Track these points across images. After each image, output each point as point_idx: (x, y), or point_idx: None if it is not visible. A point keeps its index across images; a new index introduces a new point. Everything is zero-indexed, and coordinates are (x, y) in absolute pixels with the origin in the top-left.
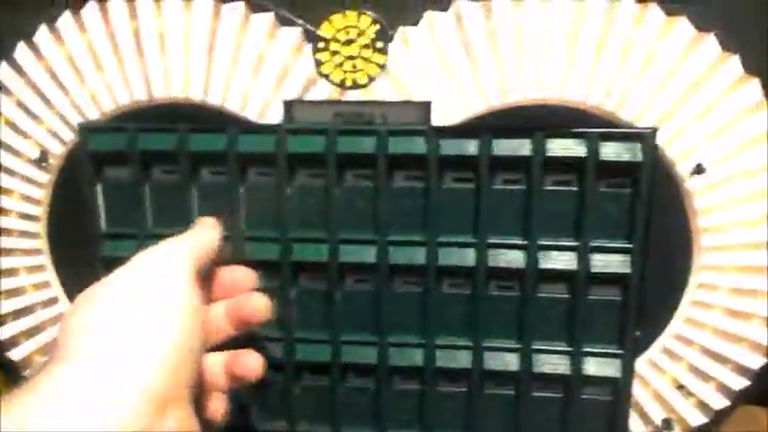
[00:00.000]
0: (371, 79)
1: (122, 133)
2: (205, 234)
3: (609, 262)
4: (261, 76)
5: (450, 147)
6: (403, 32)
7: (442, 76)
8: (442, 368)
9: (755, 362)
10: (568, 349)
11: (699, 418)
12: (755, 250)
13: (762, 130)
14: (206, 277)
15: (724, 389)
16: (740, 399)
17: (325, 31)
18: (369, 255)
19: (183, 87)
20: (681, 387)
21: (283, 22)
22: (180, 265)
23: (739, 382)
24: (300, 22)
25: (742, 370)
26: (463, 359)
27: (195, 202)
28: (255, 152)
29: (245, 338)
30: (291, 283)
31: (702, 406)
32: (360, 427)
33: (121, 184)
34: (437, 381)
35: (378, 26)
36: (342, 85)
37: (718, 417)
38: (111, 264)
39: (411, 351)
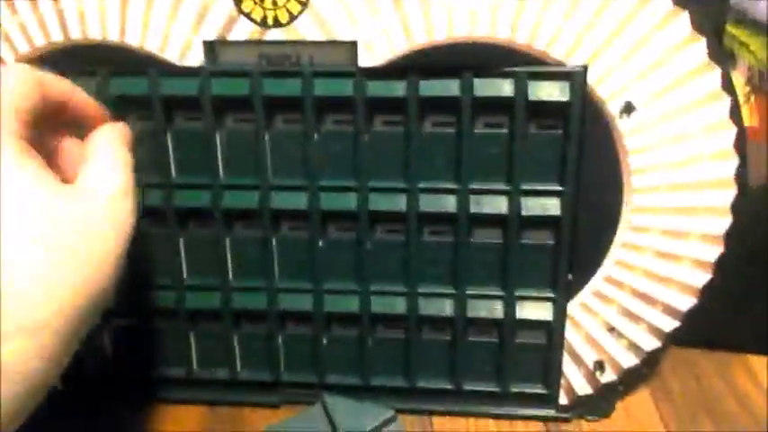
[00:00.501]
0: (293, 17)
1: None
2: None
3: (540, 205)
4: (180, 15)
5: (377, 89)
6: None
7: (366, 13)
8: (377, 314)
9: (685, 303)
10: (501, 294)
11: (630, 360)
12: (686, 191)
13: (691, 67)
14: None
15: (655, 330)
16: (671, 340)
17: None
18: (301, 202)
19: (100, 28)
20: (612, 329)
21: None
22: None
23: (670, 324)
24: None
25: (672, 311)
26: (399, 305)
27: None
28: (180, 96)
29: None
30: (226, 231)
31: (634, 347)
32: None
33: None
34: (375, 327)
35: None
36: (263, 23)
37: (650, 358)
38: None
39: (347, 298)
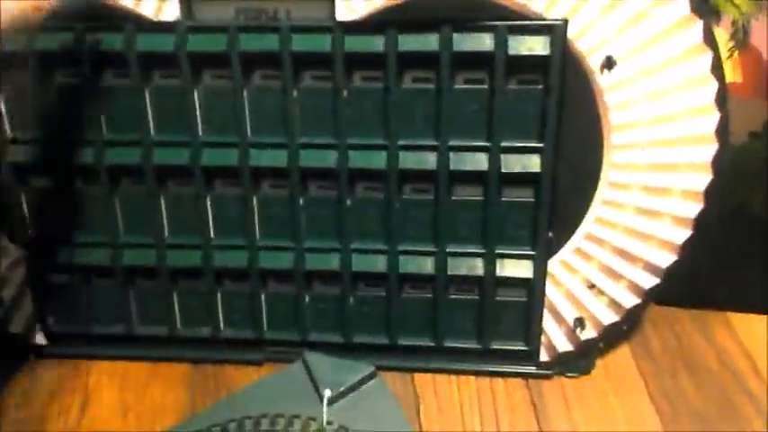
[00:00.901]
0: None
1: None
2: None
3: (520, 162)
4: None
5: (355, 44)
6: None
7: None
8: (358, 272)
9: (666, 260)
10: (482, 251)
11: (611, 317)
12: (667, 147)
13: (673, 21)
14: None
15: (635, 287)
16: (651, 297)
17: None
18: (280, 159)
19: None
20: (592, 286)
21: None
22: None
23: (650, 281)
24: None
25: (653, 268)
26: (380, 263)
27: (101, 107)
28: (156, 52)
29: None
30: (204, 186)
31: (614, 304)
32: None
33: (21, 89)
34: (356, 285)
35: None
36: None
37: (630, 315)
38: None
39: (328, 256)
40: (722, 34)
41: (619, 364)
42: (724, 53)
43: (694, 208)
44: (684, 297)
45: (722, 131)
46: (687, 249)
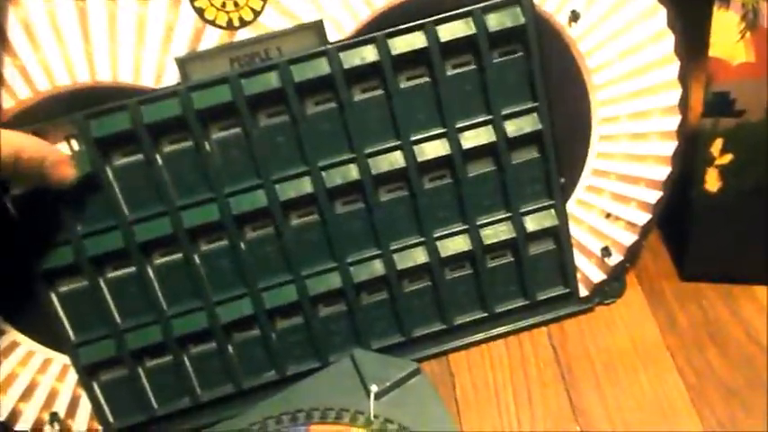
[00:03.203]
0: (257, 13)
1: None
2: None
3: (522, 124)
4: (146, 40)
5: (351, 58)
6: None
7: None
8: (404, 269)
9: (663, 173)
10: (508, 215)
11: (630, 237)
12: (641, 75)
13: None
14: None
15: (643, 205)
16: (658, 210)
17: None
18: (305, 186)
19: (67, 74)
20: (608, 215)
21: None
22: None
23: (654, 195)
24: None
25: (654, 184)
26: (420, 255)
27: (116, 190)
28: (164, 119)
29: None
30: (238, 236)
31: (630, 225)
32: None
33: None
34: (401, 282)
35: None
36: (230, 26)
37: (644, 231)
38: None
39: (371, 263)
40: (733, 16)
41: (646, 340)
42: (736, 35)
43: (674, 121)
44: (710, 272)
45: (683, 78)
46: (677, 159)
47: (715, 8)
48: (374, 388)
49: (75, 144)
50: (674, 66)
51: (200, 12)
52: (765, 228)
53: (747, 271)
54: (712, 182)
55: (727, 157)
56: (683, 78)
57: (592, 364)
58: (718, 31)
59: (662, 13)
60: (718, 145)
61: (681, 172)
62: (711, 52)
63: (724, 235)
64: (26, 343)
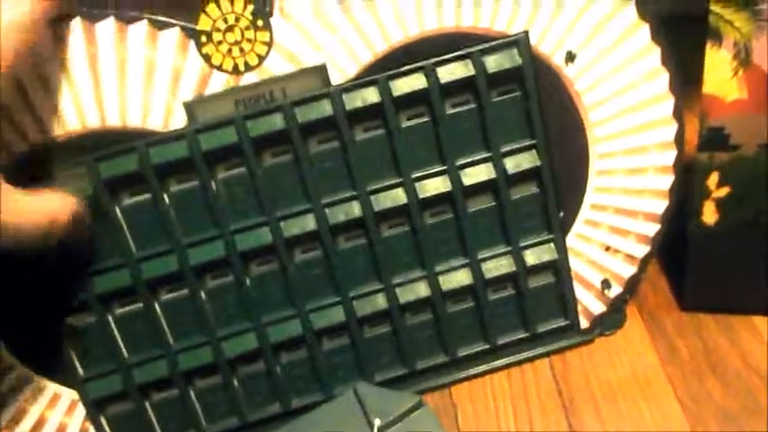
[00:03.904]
0: (261, 58)
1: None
2: None
3: (521, 161)
4: (154, 85)
5: (353, 100)
6: (280, 5)
7: (327, 35)
8: (406, 303)
9: (660, 206)
10: (509, 249)
11: (629, 270)
12: (637, 112)
13: (611, 9)
14: None
15: (642, 237)
16: (656, 243)
17: (203, 24)
18: (309, 223)
19: (79, 118)
20: (608, 248)
21: (159, 26)
22: None
23: (653, 228)
24: (176, 21)
25: (652, 217)
26: (422, 289)
27: (124, 229)
28: (171, 161)
29: None
30: (243, 272)
31: (629, 258)
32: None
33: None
34: (403, 316)
35: (252, 6)
36: (235, 71)
37: (643, 264)
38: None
39: (374, 297)
40: (726, 55)
41: (647, 370)
42: (729, 72)
43: (671, 156)
44: (708, 303)
45: (678, 114)
46: (674, 193)
47: (708, 47)
48: (378, 422)
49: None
50: (669, 102)
51: (206, 58)
52: (763, 259)
53: (746, 302)
54: (709, 214)
55: (724, 191)
56: (678, 114)
57: (593, 395)
58: (711, 69)
59: (656, 52)
60: (714, 179)
61: (678, 205)
62: (705, 89)
63: (722, 266)
64: (35, 379)
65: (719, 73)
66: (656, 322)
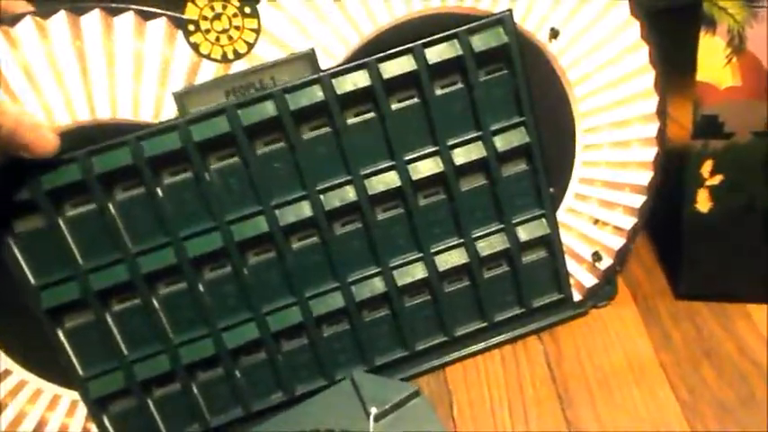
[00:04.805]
0: (250, 45)
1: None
2: None
3: (511, 138)
4: (143, 76)
5: (343, 84)
6: None
7: (315, 20)
8: (402, 286)
9: (645, 177)
10: (502, 226)
11: (619, 241)
12: (619, 85)
13: None
14: None
15: (629, 209)
16: (643, 214)
17: (190, 13)
18: (305, 210)
19: (67, 113)
20: (596, 221)
21: (146, 16)
22: None
23: (639, 200)
24: (162, 11)
25: (638, 188)
26: (419, 270)
27: (119, 224)
28: (164, 153)
29: None
30: (241, 262)
31: (618, 230)
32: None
33: (35, 230)
34: (401, 298)
35: None
36: (224, 59)
37: (632, 235)
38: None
39: (372, 281)
40: (720, 41)
41: (641, 358)
42: (722, 59)
43: (653, 128)
44: (703, 290)
45: (660, 87)
46: (657, 165)
47: (701, 33)
48: (374, 410)
49: None
50: (650, 75)
51: (195, 47)
52: (757, 246)
53: (740, 289)
54: (703, 202)
55: (718, 178)
56: (660, 86)
57: (587, 382)
58: (704, 56)
59: (636, 26)
60: (708, 166)
61: (672, 192)
62: (699, 76)
63: (716, 254)
64: (34, 381)
65: (713, 60)
66: (650, 310)
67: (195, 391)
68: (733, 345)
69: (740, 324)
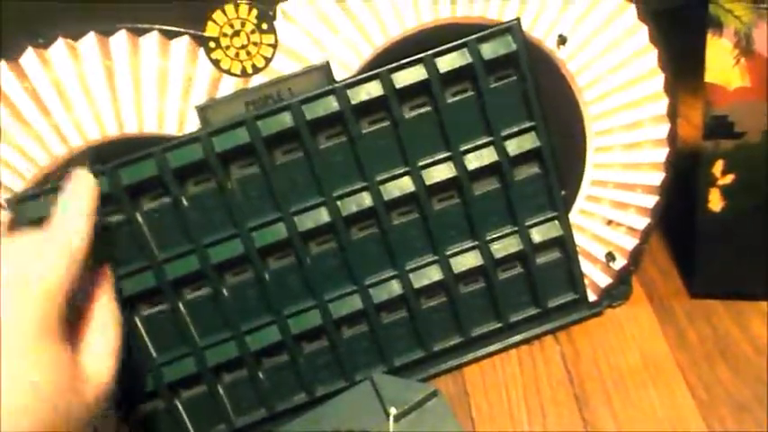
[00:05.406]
0: (268, 60)
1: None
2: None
3: (522, 143)
4: (168, 92)
5: (357, 94)
6: (282, 8)
7: (329, 34)
8: (419, 288)
9: (657, 178)
10: (515, 229)
11: (632, 242)
12: (629, 89)
13: None
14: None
15: (642, 210)
16: (656, 214)
17: (211, 31)
18: (323, 216)
19: (97, 129)
20: (610, 222)
21: (170, 35)
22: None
23: (651, 200)
24: (185, 30)
25: (650, 189)
26: (434, 273)
27: (146, 233)
28: (188, 164)
29: None
30: (262, 267)
31: (631, 230)
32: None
33: None
34: (418, 300)
35: (256, 11)
36: (244, 73)
37: (645, 235)
38: None
39: (389, 284)
40: (727, 43)
41: (657, 357)
42: (731, 61)
43: (664, 129)
44: (718, 289)
45: (670, 89)
46: (669, 166)
47: (709, 36)
48: (393, 410)
49: None
50: (659, 78)
51: (216, 63)
52: None
53: (755, 287)
54: (715, 201)
55: (729, 178)
56: (670, 89)
57: (603, 383)
58: (712, 58)
59: (644, 30)
60: (719, 166)
61: (685, 192)
62: (708, 78)
63: (730, 253)
64: None
65: (721, 61)
66: (665, 309)
67: (221, 392)
68: (749, 343)
69: (756, 323)
